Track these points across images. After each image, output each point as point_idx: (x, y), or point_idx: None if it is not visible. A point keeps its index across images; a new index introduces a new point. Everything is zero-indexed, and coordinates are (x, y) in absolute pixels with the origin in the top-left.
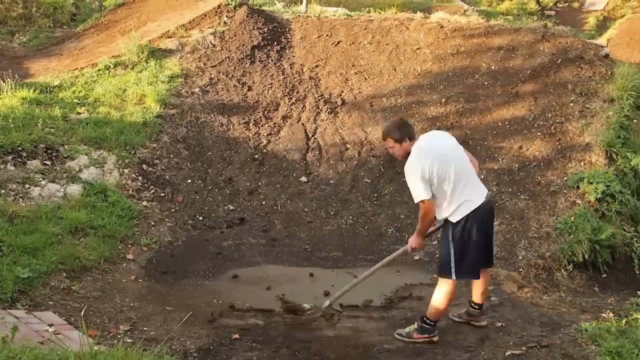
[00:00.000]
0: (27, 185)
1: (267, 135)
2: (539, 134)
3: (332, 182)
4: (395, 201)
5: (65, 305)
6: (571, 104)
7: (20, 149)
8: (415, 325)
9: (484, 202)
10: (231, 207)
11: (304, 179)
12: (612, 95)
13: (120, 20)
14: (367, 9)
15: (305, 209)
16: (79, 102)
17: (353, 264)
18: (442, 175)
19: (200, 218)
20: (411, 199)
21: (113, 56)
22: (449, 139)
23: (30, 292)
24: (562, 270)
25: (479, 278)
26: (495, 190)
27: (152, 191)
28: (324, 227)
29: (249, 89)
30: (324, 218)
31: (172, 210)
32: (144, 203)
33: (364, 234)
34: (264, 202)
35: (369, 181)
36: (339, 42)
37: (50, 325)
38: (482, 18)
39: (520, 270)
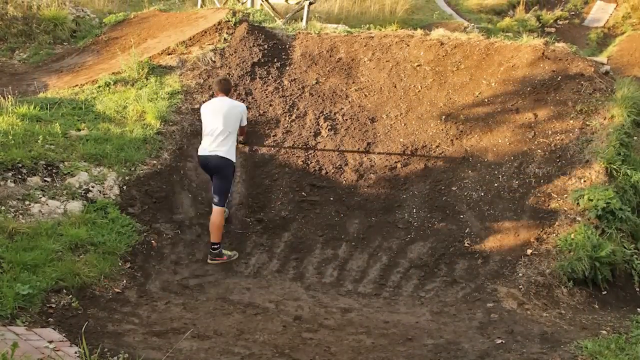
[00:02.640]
0: (27, 202)
1: (268, 152)
2: (539, 150)
3: (331, 198)
4: (395, 217)
5: (65, 322)
6: (571, 121)
7: (20, 165)
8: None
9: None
10: (230, 227)
11: (303, 194)
12: (612, 113)
13: (120, 37)
14: (368, 25)
15: (307, 225)
16: (79, 118)
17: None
18: None
19: (201, 233)
20: (411, 217)
21: (113, 73)
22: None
23: (30, 308)
24: (562, 287)
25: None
26: (495, 207)
27: (152, 208)
28: (324, 242)
29: (249, 105)
30: (324, 234)
31: (173, 227)
32: (145, 219)
33: (360, 251)
34: (265, 220)
35: (368, 197)
36: (339, 59)
37: (50, 342)
38: (483, 35)
39: (520, 287)
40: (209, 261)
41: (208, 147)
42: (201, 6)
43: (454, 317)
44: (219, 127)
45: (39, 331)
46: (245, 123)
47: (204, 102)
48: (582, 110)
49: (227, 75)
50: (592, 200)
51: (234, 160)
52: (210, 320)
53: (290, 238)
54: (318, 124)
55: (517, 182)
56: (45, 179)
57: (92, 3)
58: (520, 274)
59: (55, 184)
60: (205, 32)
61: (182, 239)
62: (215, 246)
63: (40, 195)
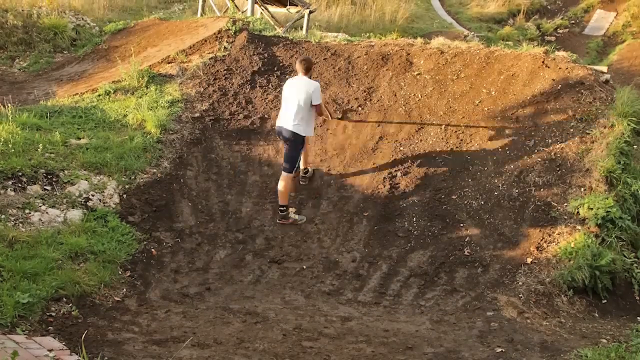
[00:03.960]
0: (27, 211)
1: (267, 161)
2: (539, 159)
3: (331, 206)
4: (395, 225)
5: (65, 330)
6: (571, 130)
7: (20, 174)
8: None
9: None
10: (230, 236)
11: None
12: (612, 121)
13: (121, 45)
14: (368, 34)
15: (310, 233)
16: (79, 127)
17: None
18: None
19: (202, 242)
20: (411, 226)
21: (113, 81)
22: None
23: (30, 317)
24: (562, 296)
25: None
26: (495, 215)
27: (152, 216)
28: (321, 249)
29: (250, 114)
30: (321, 242)
31: (173, 235)
32: (145, 228)
33: (360, 259)
34: (265, 226)
35: (368, 205)
36: (339, 68)
37: (50, 351)
38: (483, 43)
39: (520, 295)
40: (278, 220)
41: (283, 119)
42: (201, 15)
43: (454, 325)
44: (293, 102)
45: (39, 340)
46: (317, 102)
47: (204, 110)
48: (582, 118)
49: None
50: (592, 208)
51: (303, 135)
52: (210, 328)
53: (290, 246)
54: (318, 133)
55: (517, 191)
56: (45, 187)
57: (92, 11)
58: (520, 283)
59: (55, 193)
60: (206, 40)
61: (182, 247)
62: (283, 208)
63: (40, 204)
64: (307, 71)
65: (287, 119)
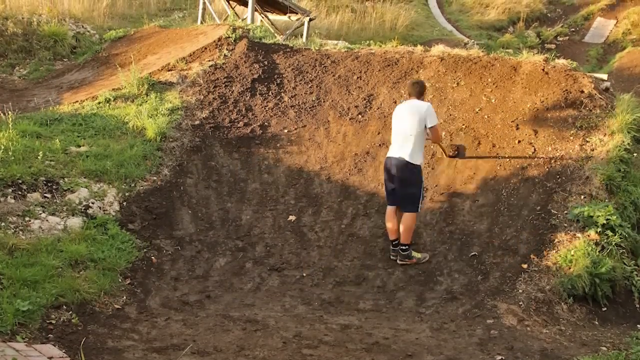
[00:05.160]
0: (27, 218)
1: (267, 168)
2: (539, 167)
3: (332, 215)
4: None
5: (65, 338)
6: (571, 137)
7: (20, 181)
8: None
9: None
10: (230, 244)
11: (308, 213)
12: (612, 129)
13: (121, 53)
14: (368, 42)
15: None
16: (79, 134)
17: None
18: None
19: (200, 246)
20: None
21: (113, 89)
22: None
23: (30, 324)
24: (562, 303)
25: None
26: (495, 223)
27: (152, 224)
28: (321, 253)
29: (250, 121)
30: (321, 250)
31: (173, 243)
32: (145, 235)
33: (359, 267)
34: (265, 235)
35: (367, 212)
36: (339, 76)
37: (50, 358)
38: (483, 51)
39: (520, 303)
40: (398, 261)
41: (393, 150)
42: (201, 22)
43: (454, 333)
44: (403, 128)
45: (38, 347)
46: (432, 123)
47: (204, 118)
48: (582, 126)
49: (419, 78)
50: (592, 216)
51: (416, 163)
52: (210, 336)
53: (290, 254)
54: (318, 142)
55: (516, 198)
56: (45, 195)
57: (92, 19)
58: (520, 290)
59: (55, 200)
60: (206, 48)
61: (182, 255)
62: (405, 247)
63: (40, 212)
64: (420, 95)
65: (397, 148)
